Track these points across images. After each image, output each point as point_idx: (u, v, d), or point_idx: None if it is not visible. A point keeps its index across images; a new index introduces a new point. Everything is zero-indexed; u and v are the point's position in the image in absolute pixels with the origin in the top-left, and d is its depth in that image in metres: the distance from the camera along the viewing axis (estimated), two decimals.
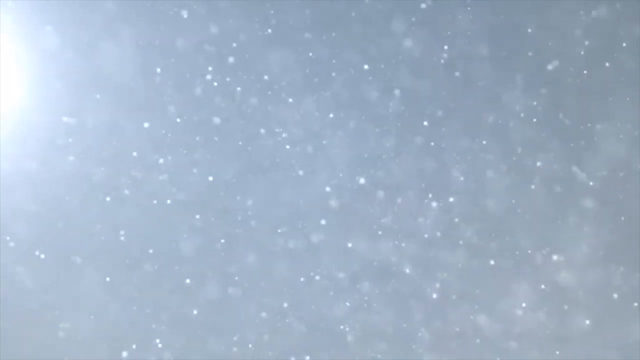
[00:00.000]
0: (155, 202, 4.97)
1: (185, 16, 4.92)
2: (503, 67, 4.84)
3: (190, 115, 5.01)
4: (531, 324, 4.77)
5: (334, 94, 4.99)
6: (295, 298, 4.88)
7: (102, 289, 4.93)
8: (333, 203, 4.78)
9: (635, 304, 4.54)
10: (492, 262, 4.83)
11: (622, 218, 4.72)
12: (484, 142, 4.78)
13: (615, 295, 4.63)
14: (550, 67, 4.73)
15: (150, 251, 5.00)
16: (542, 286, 4.77)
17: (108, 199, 4.97)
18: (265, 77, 5.00)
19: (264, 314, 4.97)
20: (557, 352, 4.73)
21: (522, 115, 4.81)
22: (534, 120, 4.83)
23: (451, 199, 4.93)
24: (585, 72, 4.75)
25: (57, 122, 4.87)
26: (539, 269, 4.83)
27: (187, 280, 4.97)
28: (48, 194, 4.93)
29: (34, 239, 4.90)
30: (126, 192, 4.98)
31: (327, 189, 4.78)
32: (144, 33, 4.86)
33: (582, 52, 4.75)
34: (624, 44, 4.82)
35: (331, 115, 5.01)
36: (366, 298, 4.85)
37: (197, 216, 4.96)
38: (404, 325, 4.88)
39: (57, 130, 4.87)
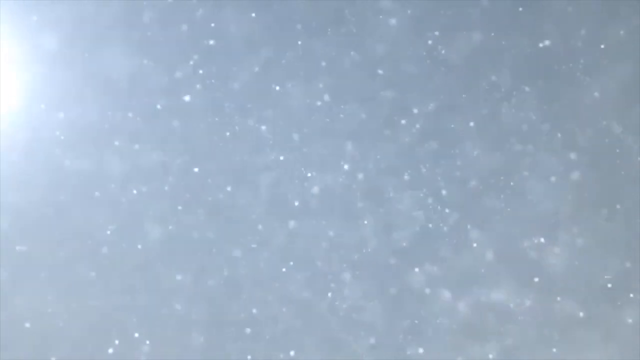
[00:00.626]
0: (141, 197, 4.93)
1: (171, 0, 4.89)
2: (493, 49, 4.73)
3: (178, 108, 4.95)
4: (524, 317, 4.65)
5: (323, 82, 4.93)
6: (280, 290, 4.80)
7: (88, 284, 4.88)
8: (315, 190, 4.69)
9: (631, 295, 4.40)
10: (483, 254, 4.71)
11: (618, 206, 4.58)
12: (471, 124, 4.65)
13: (610, 285, 4.49)
14: (541, 45, 4.60)
15: (139, 246, 4.94)
16: (536, 279, 4.63)
17: (97, 194, 4.94)
18: (256, 69, 4.94)
19: (254, 310, 4.89)
20: (552, 346, 4.62)
21: (513, 100, 4.69)
22: (526, 103, 4.71)
23: (443, 191, 4.83)
24: (578, 52, 4.62)
25: (53, 120, 4.87)
26: (531, 260, 4.71)
27: (179, 277, 4.91)
28: (40, 190, 4.92)
29: (17, 233, 4.87)
30: (113, 186, 4.93)
31: (309, 174, 4.69)
32: (142, 31, 4.86)
33: (576, 33, 4.63)
34: (621, 32, 4.71)
35: (319, 104, 4.94)
36: (352, 289, 4.76)
37: (180, 207, 4.90)
38: (393, 318, 4.79)
39: (52, 127, 4.87)
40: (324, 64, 4.94)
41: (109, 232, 4.92)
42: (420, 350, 4.61)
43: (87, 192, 4.90)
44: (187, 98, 4.92)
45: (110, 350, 4.84)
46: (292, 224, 4.79)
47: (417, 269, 4.63)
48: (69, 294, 4.87)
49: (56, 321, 4.85)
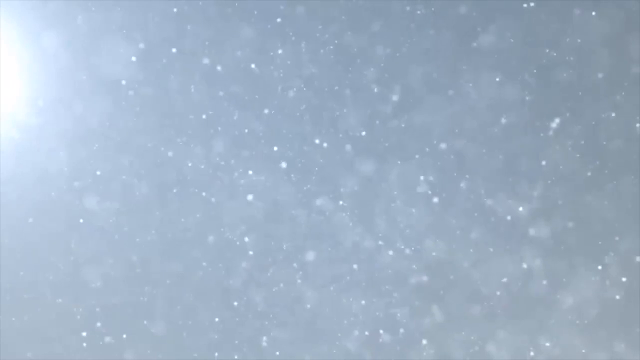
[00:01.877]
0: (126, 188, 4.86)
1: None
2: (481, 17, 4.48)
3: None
4: (514, 304, 4.45)
5: (301, 60, 4.75)
6: (249, 275, 4.65)
7: (63, 276, 4.85)
8: (283, 165, 4.50)
9: (624, 279, 4.08)
10: (472, 235, 4.49)
11: (614, 182, 4.29)
12: (451, 92, 4.39)
13: (600, 267, 4.20)
14: (525, 5, 4.32)
15: (116, 237, 4.87)
16: (524, 265, 4.34)
17: (76, 183, 4.87)
18: (238, 53, 4.80)
19: (235, 304, 4.77)
20: (545, 336, 4.42)
21: (498, 68, 4.42)
22: (510, 73, 4.44)
23: (429, 175, 4.60)
24: (565, 19, 4.36)
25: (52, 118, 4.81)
26: (521, 246, 4.46)
27: (151, 265, 4.83)
28: (33, 188, 4.88)
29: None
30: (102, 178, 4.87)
31: (275, 148, 4.49)
32: (141, 32, 4.76)
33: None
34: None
35: (299, 82, 4.78)
36: (318, 269, 4.57)
37: (150, 189, 4.80)
38: (379, 305, 4.63)
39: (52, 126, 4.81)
40: (304, 44, 4.77)
41: (81, 220, 4.83)
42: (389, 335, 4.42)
43: (72, 187, 4.86)
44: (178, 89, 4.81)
45: (84, 345, 4.77)
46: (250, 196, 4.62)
47: (381, 242, 4.39)
48: (41, 291, 4.85)
49: (29, 318, 4.82)
